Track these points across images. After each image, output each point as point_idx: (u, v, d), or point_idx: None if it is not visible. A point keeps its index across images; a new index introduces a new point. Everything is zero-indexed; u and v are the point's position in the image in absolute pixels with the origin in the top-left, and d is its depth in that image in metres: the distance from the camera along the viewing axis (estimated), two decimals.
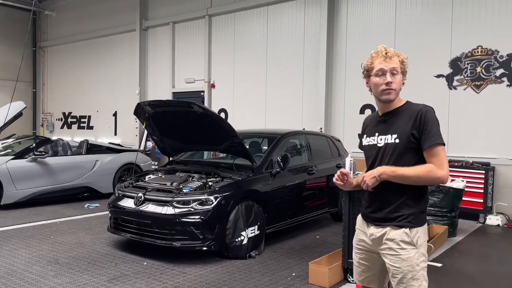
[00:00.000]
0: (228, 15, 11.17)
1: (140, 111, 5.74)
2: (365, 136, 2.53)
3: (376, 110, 2.56)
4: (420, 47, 8.23)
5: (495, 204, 7.33)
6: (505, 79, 7.42)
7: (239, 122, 9.84)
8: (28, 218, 7.04)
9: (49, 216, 7.18)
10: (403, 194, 2.32)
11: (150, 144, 12.33)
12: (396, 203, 2.33)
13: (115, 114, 13.97)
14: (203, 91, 11.65)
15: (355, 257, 2.58)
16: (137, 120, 12.25)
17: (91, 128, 14.80)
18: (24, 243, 5.56)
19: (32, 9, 11.38)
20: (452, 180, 6.36)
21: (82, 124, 15.16)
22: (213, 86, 11.51)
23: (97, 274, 4.43)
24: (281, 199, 5.70)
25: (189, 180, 5.32)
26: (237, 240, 4.91)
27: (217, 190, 4.92)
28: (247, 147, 6.03)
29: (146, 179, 5.65)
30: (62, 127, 15.89)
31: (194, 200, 4.81)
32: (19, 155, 7.97)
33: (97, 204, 8.14)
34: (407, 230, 2.29)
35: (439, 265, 4.88)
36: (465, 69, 7.80)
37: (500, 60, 7.44)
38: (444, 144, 2.26)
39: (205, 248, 4.77)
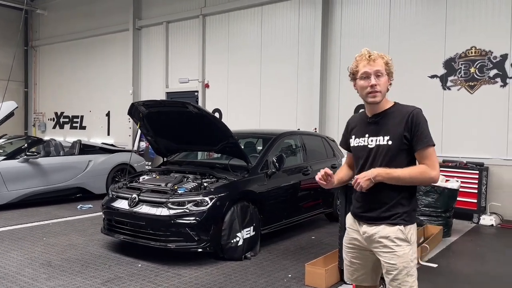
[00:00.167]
0: (222, 15, 11.13)
1: (134, 111, 5.68)
2: (353, 136, 2.56)
3: (360, 110, 2.59)
4: (414, 48, 8.27)
5: (489, 204, 7.37)
6: (498, 79, 7.45)
7: (233, 123, 9.78)
8: (20, 219, 6.95)
9: (42, 218, 7.09)
10: (397, 194, 2.37)
11: (143, 144, 12.26)
12: (390, 203, 2.37)
13: (108, 114, 13.87)
14: (197, 91, 11.60)
15: (347, 256, 2.62)
16: (130, 120, 12.33)
17: (84, 128, 14.69)
18: (16, 245, 5.48)
19: (24, 8, 11.26)
20: (446, 181, 6.39)
21: (74, 124, 15.04)
22: (207, 86, 11.46)
23: (91, 277, 4.37)
24: (276, 199, 5.68)
25: (184, 181, 5.28)
26: (232, 241, 4.88)
27: (213, 191, 4.88)
28: (242, 147, 6.00)
29: (140, 180, 5.59)
30: (54, 127, 15.74)
31: (189, 201, 4.77)
32: (10, 156, 7.87)
33: (90, 205, 8.06)
34: (401, 227, 2.35)
35: (435, 265, 4.89)
36: (459, 70, 7.83)
37: (494, 61, 7.48)
38: (434, 145, 2.33)
39: (200, 250, 4.73)
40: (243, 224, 5.00)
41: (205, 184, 5.10)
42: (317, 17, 9.38)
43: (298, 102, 9.83)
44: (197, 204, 4.75)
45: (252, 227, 5.12)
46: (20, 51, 16.09)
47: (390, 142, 2.36)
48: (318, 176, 2.49)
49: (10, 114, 8.60)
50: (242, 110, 10.74)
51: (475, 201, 7.19)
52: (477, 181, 7.20)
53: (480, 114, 7.61)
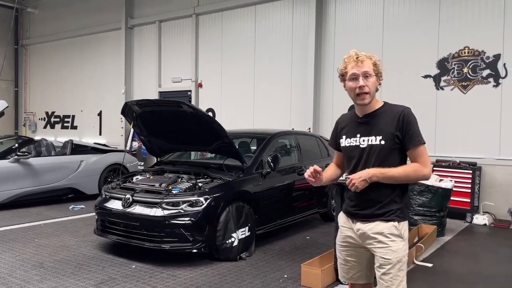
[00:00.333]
0: (216, 14, 11.08)
1: (127, 110, 5.61)
2: (343, 137, 2.58)
3: (349, 110, 2.65)
4: (408, 48, 8.30)
5: (482, 204, 7.41)
6: (491, 79, 7.50)
7: (227, 122, 9.74)
8: (11, 220, 6.84)
9: (33, 218, 7.00)
10: (391, 192, 2.42)
11: (136, 144, 12.17)
12: (385, 201, 2.42)
13: (99, 114, 13.74)
14: (190, 91, 11.54)
15: (341, 255, 2.64)
16: (123, 120, 12.25)
17: (75, 128, 14.54)
18: (7, 246, 5.39)
19: (15, 6, 11.12)
20: (440, 180, 6.41)
21: (65, 124, 14.87)
22: (200, 85, 11.40)
23: (84, 278, 4.31)
24: (271, 199, 5.64)
25: (178, 181, 5.23)
26: (227, 242, 4.84)
27: (208, 191, 4.84)
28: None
29: (133, 180, 5.53)
30: (45, 127, 15.56)
31: (184, 202, 4.72)
32: (1, 156, 7.76)
33: (82, 206, 7.97)
34: (395, 223, 2.40)
35: (430, 265, 4.90)
36: (452, 70, 7.87)
37: (487, 61, 7.53)
38: (425, 143, 2.40)
39: (195, 251, 4.69)
40: (238, 224, 4.97)
41: (199, 184, 5.05)
42: (311, 15, 9.38)
43: (292, 102, 9.82)
44: (192, 204, 4.71)
45: (247, 228, 5.09)
46: (11, 50, 15.88)
47: (383, 142, 2.39)
48: (307, 174, 2.51)
49: (1, 114, 8.49)
50: (236, 109, 10.70)
51: (468, 200, 7.23)
52: (470, 181, 7.24)
53: (473, 114, 7.66)
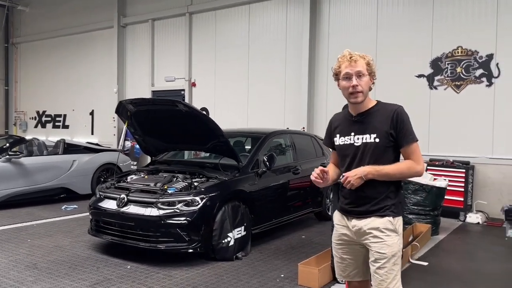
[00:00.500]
0: (209, 13, 11.03)
1: (121, 109, 5.56)
2: (337, 135, 2.61)
3: (343, 109, 2.69)
4: (402, 48, 8.33)
5: (475, 202, 7.46)
6: (484, 79, 7.56)
7: (221, 121, 9.67)
8: (3, 220, 6.75)
9: (25, 219, 6.91)
10: (386, 189, 2.46)
11: (128, 143, 12.08)
12: (379, 198, 2.46)
13: (92, 113, 13.62)
14: (183, 90, 11.48)
15: (337, 253, 2.66)
16: (115, 119, 12.15)
17: (67, 127, 14.40)
18: None
19: (6, 4, 10.97)
20: (434, 179, 6.44)
21: (57, 123, 14.72)
22: (193, 84, 11.35)
23: (79, 279, 4.26)
24: (267, 199, 5.63)
25: (174, 180, 5.19)
26: (223, 241, 4.82)
27: (203, 191, 4.81)
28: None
29: (128, 180, 5.48)
30: (36, 126, 15.40)
31: (180, 201, 4.69)
32: None
33: (75, 206, 7.89)
34: (390, 218, 2.44)
35: (425, 263, 4.91)
36: (446, 69, 7.91)
37: (480, 61, 7.58)
38: (417, 140, 2.46)
39: (191, 250, 4.66)
40: (234, 224, 4.95)
41: (195, 183, 5.02)
42: (305, 15, 9.38)
43: (286, 101, 9.81)
44: (187, 204, 4.68)
45: (243, 227, 5.07)
46: (1, 49, 15.72)
47: (377, 140, 2.43)
48: (314, 175, 2.49)
49: None
50: (230, 108, 10.67)
51: (462, 199, 7.28)
52: (463, 180, 7.28)
53: (466, 114, 7.71)
